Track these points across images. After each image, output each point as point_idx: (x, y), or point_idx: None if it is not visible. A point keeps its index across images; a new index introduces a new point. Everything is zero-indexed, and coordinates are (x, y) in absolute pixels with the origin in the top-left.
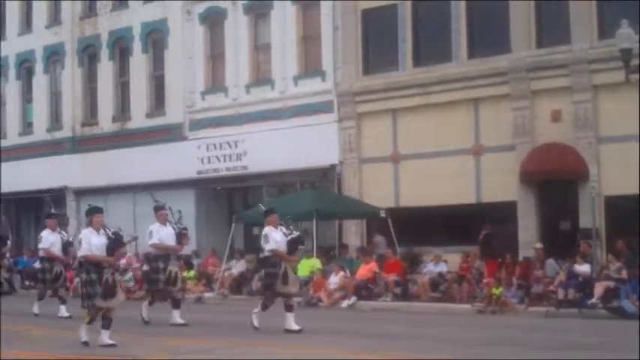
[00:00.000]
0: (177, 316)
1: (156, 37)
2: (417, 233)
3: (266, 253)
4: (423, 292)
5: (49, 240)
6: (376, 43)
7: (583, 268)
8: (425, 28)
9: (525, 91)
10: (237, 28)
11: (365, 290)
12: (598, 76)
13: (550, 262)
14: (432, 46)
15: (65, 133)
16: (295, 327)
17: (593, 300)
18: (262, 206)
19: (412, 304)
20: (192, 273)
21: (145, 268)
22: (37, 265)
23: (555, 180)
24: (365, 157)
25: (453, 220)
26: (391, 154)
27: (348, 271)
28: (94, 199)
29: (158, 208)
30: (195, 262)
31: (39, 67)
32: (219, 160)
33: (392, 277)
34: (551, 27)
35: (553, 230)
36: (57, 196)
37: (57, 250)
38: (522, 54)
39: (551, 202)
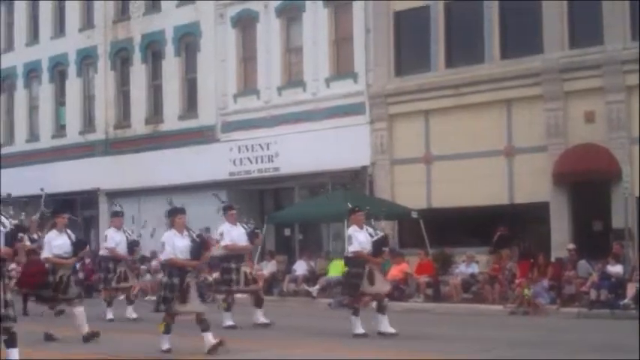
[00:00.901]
0: (260, 315)
1: (188, 41)
2: (449, 234)
3: (349, 255)
4: (455, 293)
5: (115, 239)
6: (408, 44)
7: (615, 269)
8: (457, 29)
9: (558, 92)
10: (269, 31)
11: (396, 291)
12: (631, 76)
13: (582, 263)
14: (464, 47)
15: (98, 135)
16: (390, 330)
17: (626, 301)
18: (349, 204)
19: (444, 305)
20: None
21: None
22: (99, 265)
23: (588, 181)
24: (397, 158)
25: (485, 221)
26: (423, 155)
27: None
28: (127, 201)
29: (228, 208)
30: None
31: (72, 70)
32: (251, 161)
33: (424, 278)
34: (584, 28)
35: (586, 231)
36: (89, 198)
37: (122, 249)
38: (555, 55)
39: (584, 203)
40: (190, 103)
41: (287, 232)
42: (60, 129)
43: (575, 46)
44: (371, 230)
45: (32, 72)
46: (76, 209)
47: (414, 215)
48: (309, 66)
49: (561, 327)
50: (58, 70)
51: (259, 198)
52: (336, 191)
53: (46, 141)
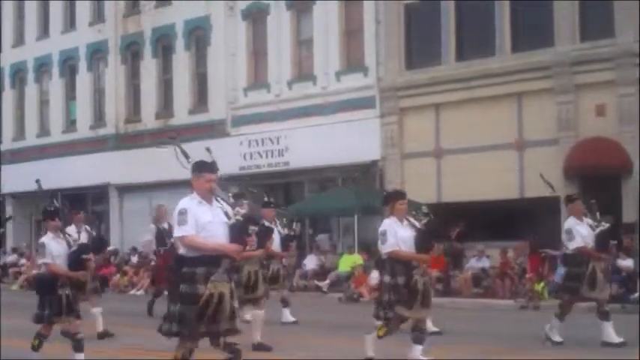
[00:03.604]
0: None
1: (199, 34)
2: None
3: (568, 251)
4: (465, 288)
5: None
6: (419, 37)
7: (626, 263)
8: (468, 22)
9: (569, 85)
10: (279, 24)
11: None
12: None
13: None
14: (475, 40)
15: (108, 130)
16: (616, 339)
17: (636, 295)
18: (568, 193)
19: (454, 300)
20: None
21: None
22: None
23: (599, 174)
24: (407, 152)
25: (495, 215)
26: (434, 149)
27: None
28: (137, 196)
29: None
30: None
31: (82, 64)
32: (261, 156)
33: (434, 273)
34: (595, 20)
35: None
36: (100, 192)
37: (276, 246)
38: (566, 48)
39: (595, 197)
40: (200, 97)
41: (295, 225)
42: (70, 123)
43: (586, 39)
44: (590, 222)
45: (43, 66)
46: (86, 204)
47: (425, 210)
48: (320, 59)
49: (572, 322)
50: (69, 64)
51: (269, 192)
52: (347, 186)
53: (56, 135)
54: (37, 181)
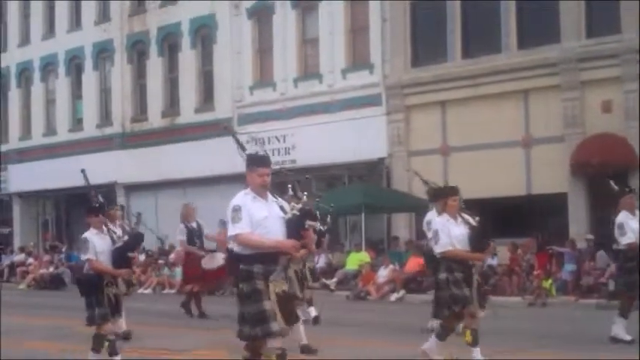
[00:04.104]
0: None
1: (204, 33)
2: None
3: (621, 247)
4: None
5: None
6: (425, 34)
7: None
8: (474, 19)
9: (575, 81)
10: (285, 23)
11: (414, 283)
12: None
13: (601, 254)
14: (481, 37)
15: (115, 129)
16: (627, 337)
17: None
18: (613, 184)
19: None
20: None
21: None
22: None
23: (605, 171)
24: (414, 149)
25: (503, 212)
26: (440, 146)
27: (397, 264)
28: (144, 195)
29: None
30: None
31: (88, 63)
32: (267, 154)
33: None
34: (601, 17)
35: (604, 221)
36: (107, 192)
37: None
38: (572, 44)
39: (602, 193)
40: (207, 96)
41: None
42: (77, 123)
43: (592, 36)
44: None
45: (49, 66)
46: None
47: (432, 207)
48: (325, 57)
49: (580, 319)
50: (75, 63)
51: (276, 190)
52: (353, 184)
53: (63, 135)
54: (83, 171)
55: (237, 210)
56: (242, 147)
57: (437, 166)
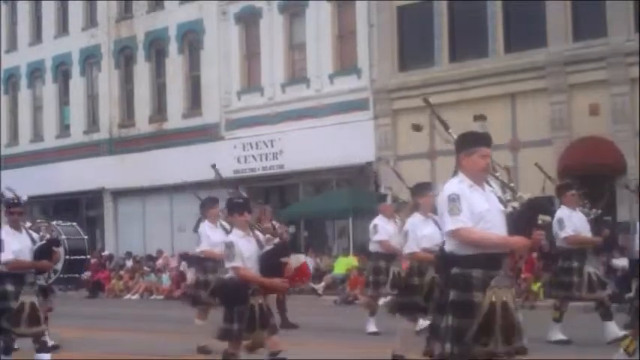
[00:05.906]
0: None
1: (192, 38)
2: None
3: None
4: None
5: (388, 231)
6: (412, 39)
7: (621, 263)
8: (461, 23)
9: (562, 85)
10: (272, 28)
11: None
12: (635, 68)
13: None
14: (468, 42)
15: (102, 134)
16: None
17: (631, 294)
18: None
19: None
20: None
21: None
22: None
23: (593, 174)
24: (401, 154)
25: None
26: (428, 150)
27: None
28: (132, 201)
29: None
30: None
31: (76, 69)
32: (255, 159)
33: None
34: (588, 20)
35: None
36: (94, 197)
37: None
38: (559, 48)
39: (590, 196)
40: (194, 101)
41: (292, 229)
42: (64, 129)
43: (578, 39)
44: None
45: (36, 72)
46: (80, 209)
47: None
48: (313, 62)
49: (568, 322)
50: (62, 69)
51: (264, 195)
52: (341, 188)
53: (50, 141)
54: (214, 166)
55: (454, 200)
56: (445, 126)
57: (424, 170)
